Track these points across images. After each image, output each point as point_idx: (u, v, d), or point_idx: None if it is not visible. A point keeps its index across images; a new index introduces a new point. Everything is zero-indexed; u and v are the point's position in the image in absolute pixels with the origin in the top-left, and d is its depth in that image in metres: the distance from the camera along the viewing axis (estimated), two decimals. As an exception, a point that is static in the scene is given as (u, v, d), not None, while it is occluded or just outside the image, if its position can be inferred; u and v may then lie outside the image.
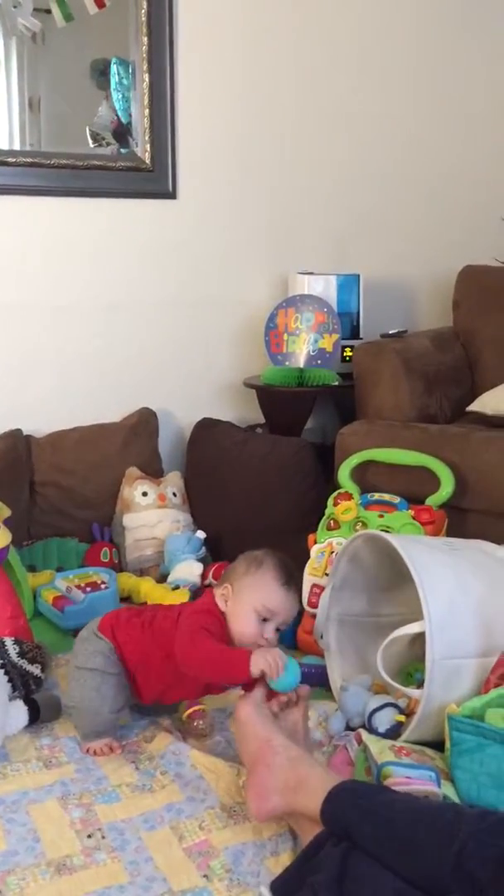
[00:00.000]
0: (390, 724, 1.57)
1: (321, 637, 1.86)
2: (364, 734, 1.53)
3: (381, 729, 1.57)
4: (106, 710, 1.58)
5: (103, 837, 1.37)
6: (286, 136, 2.78)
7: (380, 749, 1.45)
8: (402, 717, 1.58)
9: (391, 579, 1.84)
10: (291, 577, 1.58)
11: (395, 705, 1.60)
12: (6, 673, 1.70)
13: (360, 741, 1.52)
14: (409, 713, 1.59)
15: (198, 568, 2.27)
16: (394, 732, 1.56)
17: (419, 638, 1.57)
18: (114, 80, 2.51)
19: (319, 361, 2.58)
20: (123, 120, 2.53)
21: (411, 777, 1.34)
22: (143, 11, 2.44)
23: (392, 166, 2.96)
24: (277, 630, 1.57)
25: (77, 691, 1.60)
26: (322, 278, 2.69)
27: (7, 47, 2.35)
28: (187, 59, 2.56)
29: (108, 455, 2.51)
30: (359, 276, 2.73)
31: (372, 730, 1.58)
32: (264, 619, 1.54)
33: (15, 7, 2.26)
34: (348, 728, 1.65)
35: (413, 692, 1.55)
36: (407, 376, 2.37)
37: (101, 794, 1.48)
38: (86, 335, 2.61)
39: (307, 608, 2.01)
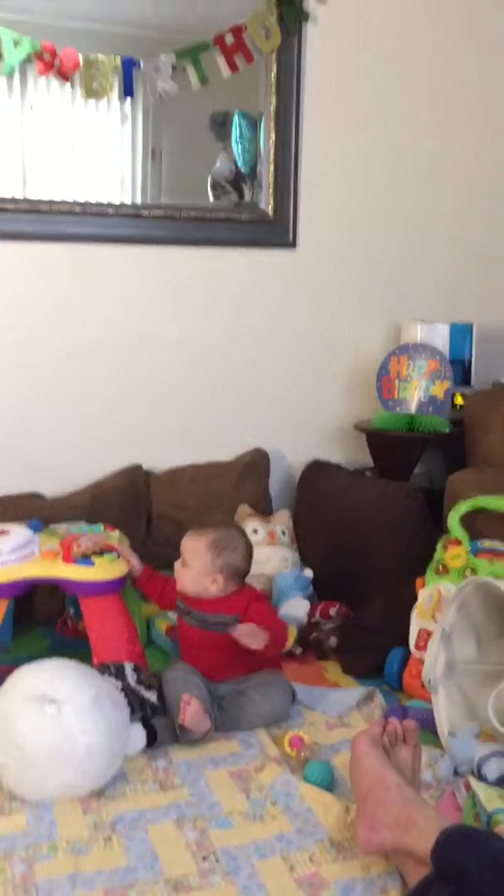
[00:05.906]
0: (500, 772, 1.58)
1: (429, 682, 1.88)
2: (472, 781, 1.54)
3: (491, 777, 1.58)
4: None
5: (217, 861, 1.43)
6: (405, 190, 2.85)
7: (488, 796, 1.46)
8: (511, 767, 1.58)
9: (501, 627, 1.85)
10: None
11: (504, 754, 1.61)
12: (125, 696, 1.78)
13: (468, 788, 1.53)
14: (518, 763, 1.59)
15: (306, 606, 2.30)
16: None
17: (531, 688, 1.58)
18: (236, 131, 2.65)
19: (431, 408, 2.61)
20: (244, 170, 2.67)
21: (522, 826, 1.35)
22: (272, 74, 2.59)
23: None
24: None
25: None
26: (435, 326, 2.74)
27: (133, 103, 2.50)
28: (312, 117, 2.68)
29: (221, 492, 2.60)
30: (472, 324, 2.76)
31: (481, 777, 1.59)
32: None
33: (156, 71, 2.41)
34: (455, 773, 1.66)
35: (523, 742, 1.56)
36: (519, 425, 2.39)
37: (215, 819, 1.54)
38: (206, 376, 2.72)
39: (414, 651, 2.03)
